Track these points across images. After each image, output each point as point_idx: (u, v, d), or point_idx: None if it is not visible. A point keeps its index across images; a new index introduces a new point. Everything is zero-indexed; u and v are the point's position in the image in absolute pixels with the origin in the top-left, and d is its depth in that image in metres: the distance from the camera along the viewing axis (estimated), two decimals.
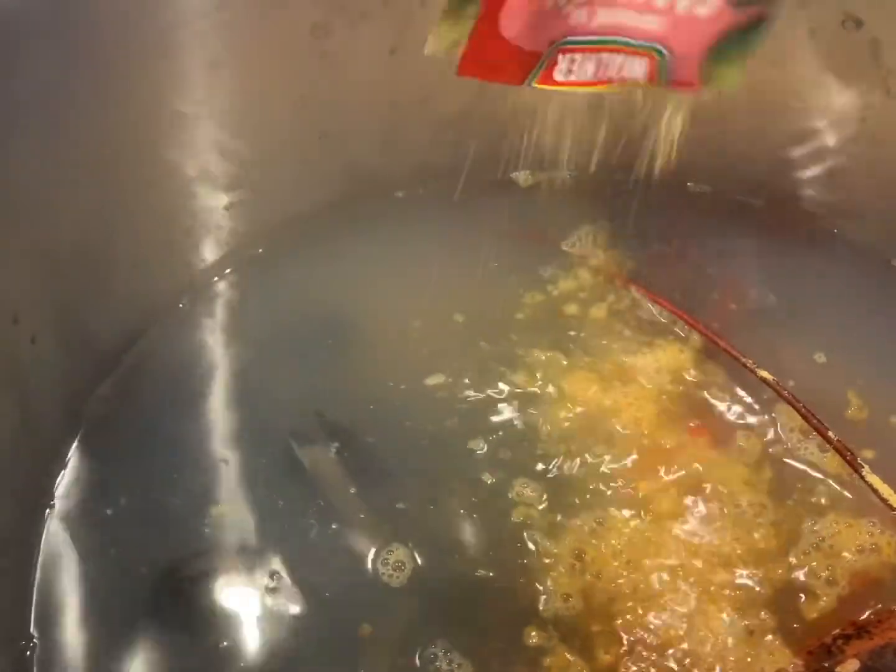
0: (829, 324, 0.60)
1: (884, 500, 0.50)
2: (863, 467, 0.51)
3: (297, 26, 0.56)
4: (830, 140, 0.62)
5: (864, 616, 0.48)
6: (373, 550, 0.50)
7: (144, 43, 0.51)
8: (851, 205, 0.63)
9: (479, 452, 0.54)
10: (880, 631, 0.46)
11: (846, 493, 0.52)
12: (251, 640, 0.49)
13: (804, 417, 0.53)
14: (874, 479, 0.51)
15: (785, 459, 0.54)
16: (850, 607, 0.48)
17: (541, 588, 0.49)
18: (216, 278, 0.62)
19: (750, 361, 0.56)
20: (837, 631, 0.46)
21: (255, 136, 0.59)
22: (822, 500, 0.52)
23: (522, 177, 0.68)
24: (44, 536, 0.51)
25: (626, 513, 0.51)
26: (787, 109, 0.62)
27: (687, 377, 0.57)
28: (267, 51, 0.56)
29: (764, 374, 0.55)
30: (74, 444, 0.54)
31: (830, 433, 0.53)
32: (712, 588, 0.48)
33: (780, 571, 0.49)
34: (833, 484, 0.53)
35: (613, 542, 0.50)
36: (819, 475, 0.53)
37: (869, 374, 0.57)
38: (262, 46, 0.56)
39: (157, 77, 0.53)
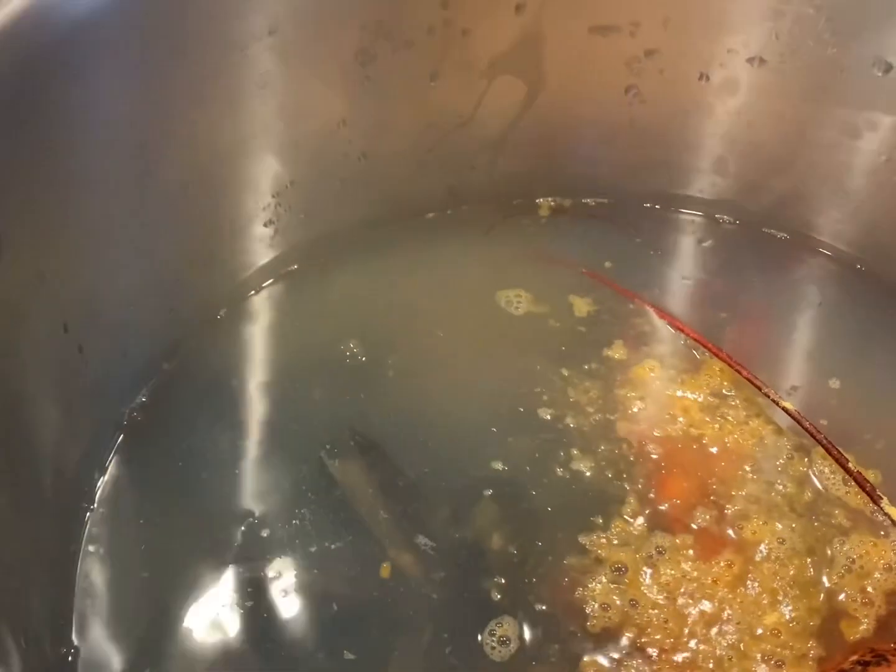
0: (847, 354, 0.61)
1: None
2: (882, 498, 0.53)
3: (343, 52, 0.58)
4: (856, 177, 0.64)
5: None
6: (388, 564, 0.51)
7: (198, 65, 0.53)
8: (875, 242, 0.64)
9: (504, 473, 0.55)
10: None
11: (864, 513, 0.54)
12: (291, 648, 0.50)
13: (825, 448, 0.55)
14: (893, 511, 0.52)
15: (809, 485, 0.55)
16: (889, 628, 0.49)
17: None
18: (253, 292, 0.63)
19: (772, 391, 0.57)
20: (856, 657, 0.48)
21: (297, 155, 0.61)
22: (844, 522, 0.53)
23: (550, 202, 0.69)
24: (84, 540, 0.52)
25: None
26: (815, 145, 0.64)
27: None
28: (313, 74, 0.58)
29: (786, 404, 0.57)
30: (114, 450, 0.56)
31: (850, 464, 0.54)
32: (759, 631, 0.49)
33: (822, 598, 0.51)
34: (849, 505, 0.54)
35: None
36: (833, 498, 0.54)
37: (882, 401, 0.58)
38: (309, 69, 0.58)
39: (207, 97, 0.55)
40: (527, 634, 0.49)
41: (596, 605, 0.50)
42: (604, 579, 0.51)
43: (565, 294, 0.64)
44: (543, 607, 0.50)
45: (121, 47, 0.49)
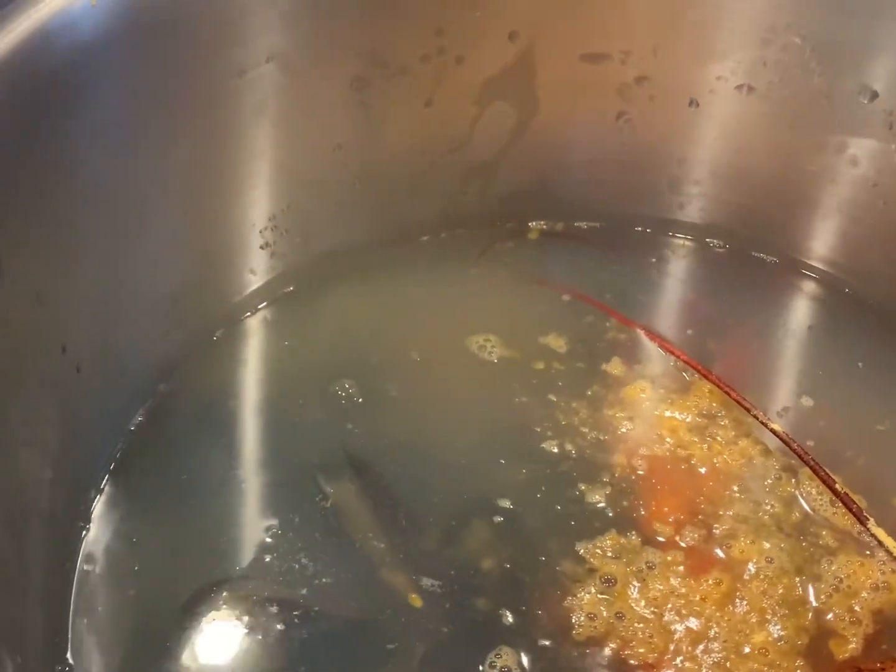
0: (835, 376, 0.62)
1: (889, 553, 0.52)
2: (868, 520, 0.54)
3: (338, 78, 0.59)
4: (843, 202, 0.65)
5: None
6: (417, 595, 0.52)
7: (196, 91, 0.54)
8: (863, 265, 0.65)
9: (508, 509, 0.55)
10: None
11: (851, 534, 0.54)
12: None
13: (813, 470, 0.55)
14: (879, 532, 0.53)
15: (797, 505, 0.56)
16: (877, 646, 0.50)
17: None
18: (249, 313, 0.64)
19: (760, 413, 0.58)
20: None
21: (293, 179, 0.62)
22: (831, 542, 0.54)
23: (542, 226, 0.70)
24: (80, 559, 0.52)
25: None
26: (804, 170, 0.65)
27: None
28: (309, 100, 0.59)
29: (774, 426, 0.57)
30: (110, 469, 0.56)
31: (837, 486, 0.55)
32: (747, 650, 0.50)
33: (810, 617, 0.51)
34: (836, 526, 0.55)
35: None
36: (820, 518, 0.55)
37: (871, 424, 0.59)
38: (305, 96, 0.59)
39: (206, 123, 0.56)
40: (526, 663, 0.49)
41: (583, 615, 0.50)
42: (593, 590, 0.51)
43: (557, 318, 0.64)
44: (547, 642, 0.50)
45: (120, 74, 0.50)
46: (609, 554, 0.53)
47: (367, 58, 0.59)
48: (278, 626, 0.50)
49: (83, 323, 0.52)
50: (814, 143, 0.63)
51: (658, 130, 0.66)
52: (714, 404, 0.59)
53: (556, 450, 0.57)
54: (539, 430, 0.58)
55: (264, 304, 0.64)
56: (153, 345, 0.59)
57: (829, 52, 0.60)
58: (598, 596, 0.51)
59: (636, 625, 0.50)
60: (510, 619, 0.50)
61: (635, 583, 0.51)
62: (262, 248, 0.63)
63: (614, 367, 0.62)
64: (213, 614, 0.51)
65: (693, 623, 0.50)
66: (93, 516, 0.54)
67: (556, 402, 0.59)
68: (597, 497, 0.55)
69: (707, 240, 0.69)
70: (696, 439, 0.58)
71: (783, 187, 0.65)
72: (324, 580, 0.52)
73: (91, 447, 0.55)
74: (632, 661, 0.49)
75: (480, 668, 0.49)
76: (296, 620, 0.51)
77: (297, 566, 0.52)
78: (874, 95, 0.60)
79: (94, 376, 0.54)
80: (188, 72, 0.53)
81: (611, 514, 0.54)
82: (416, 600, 0.51)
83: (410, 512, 0.55)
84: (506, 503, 0.55)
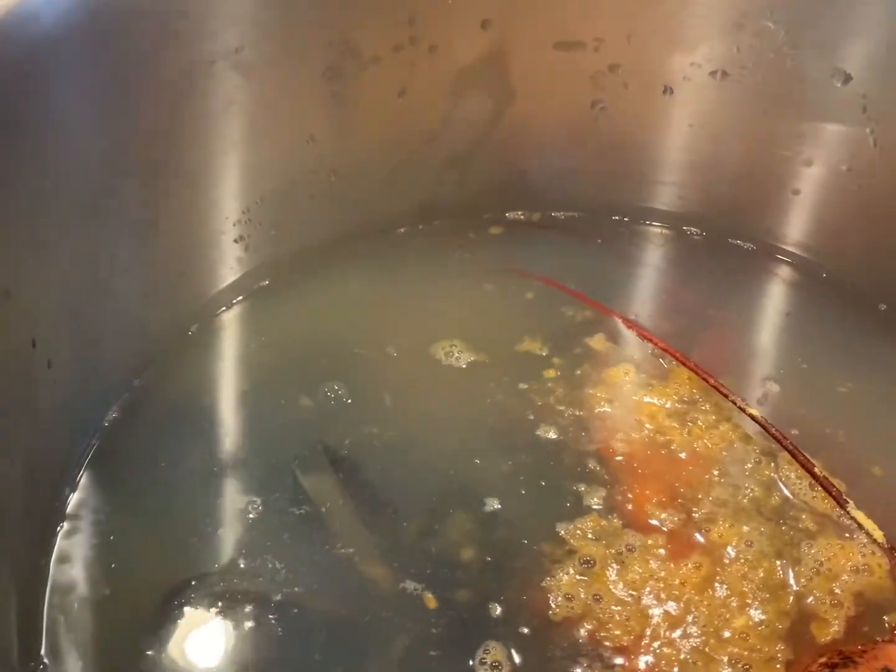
0: (814, 361, 0.62)
1: (868, 535, 0.52)
2: (848, 503, 0.53)
3: (310, 69, 0.59)
4: (819, 187, 0.65)
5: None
6: (359, 569, 0.51)
7: (164, 83, 0.53)
8: (839, 250, 0.65)
9: (488, 495, 0.54)
10: (865, 660, 0.47)
11: (831, 517, 0.54)
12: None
13: (791, 454, 0.55)
14: (859, 515, 0.53)
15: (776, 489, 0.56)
16: (858, 629, 0.50)
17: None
18: (224, 308, 0.63)
19: (738, 398, 0.58)
20: (824, 660, 0.48)
21: (266, 172, 0.61)
22: (811, 525, 0.54)
23: (519, 216, 0.70)
24: (54, 556, 0.52)
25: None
26: (779, 156, 0.65)
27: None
28: (280, 91, 0.59)
29: (752, 411, 0.57)
30: (84, 466, 0.55)
31: (816, 469, 0.55)
32: (727, 634, 0.49)
33: (791, 601, 0.51)
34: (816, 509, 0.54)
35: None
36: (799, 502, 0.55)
37: (851, 407, 0.59)
38: (276, 87, 0.58)
39: (174, 114, 0.55)
40: (516, 657, 0.48)
41: (560, 596, 0.50)
42: (571, 570, 0.51)
43: (536, 308, 0.64)
44: (526, 630, 0.49)
45: (85, 65, 0.49)
46: (589, 535, 0.52)
47: (338, 48, 0.59)
48: (256, 624, 0.50)
49: (54, 317, 0.52)
50: (788, 127, 0.63)
51: (633, 118, 0.66)
52: (694, 390, 0.59)
53: (540, 435, 0.57)
54: (525, 416, 0.58)
55: (240, 298, 0.64)
56: (127, 339, 0.58)
57: (802, 36, 0.60)
58: (577, 577, 0.51)
59: (613, 607, 0.50)
60: (493, 607, 0.50)
61: (614, 565, 0.51)
62: (236, 241, 0.63)
63: (598, 342, 0.61)
64: (189, 611, 0.50)
65: (672, 607, 0.50)
66: (67, 513, 0.54)
67: (537, 389, 0.59)
68: (579, 480, 0.55)
69: (684, 227, 0.69)
70: (676, 424, 0.58)
71: (759, 173, 0.65)
72: (302, 576, 0.51)
73: (65, 443, 0.55)
74: (607, 644, 0.49)
75: (471, 662, 0.48)
76: (274, 618, 0.50)
77: (274, 563, 0.52)
78: (848, 79, 0.60)
79: (66, 371, 0.53)
80: (155, 63, 0.52)
81: (593, 497, 0.54)
82: (430, 601, 0.50)
83: (392, 504, 0.55)
84: (489, 488, 0.54)
